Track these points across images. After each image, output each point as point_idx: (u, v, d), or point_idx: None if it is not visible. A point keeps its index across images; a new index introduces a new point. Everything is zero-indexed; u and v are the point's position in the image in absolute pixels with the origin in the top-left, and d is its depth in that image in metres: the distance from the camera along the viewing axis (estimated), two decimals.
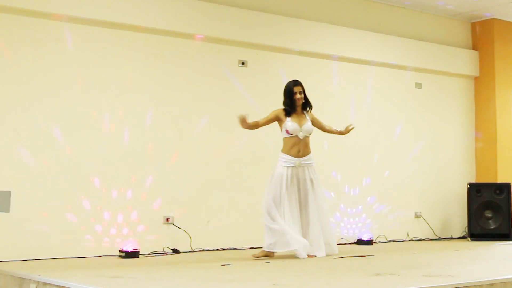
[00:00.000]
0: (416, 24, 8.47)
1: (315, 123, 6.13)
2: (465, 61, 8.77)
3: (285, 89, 6.02)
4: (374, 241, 7.49)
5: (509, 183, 8.02)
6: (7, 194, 5.59)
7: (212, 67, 6.80)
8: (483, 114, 8.79)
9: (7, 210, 5.57)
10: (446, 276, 4.34)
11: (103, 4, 6.11)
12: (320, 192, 6.06)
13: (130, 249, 5.82)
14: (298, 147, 5.90)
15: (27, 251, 5.57)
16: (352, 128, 6.33)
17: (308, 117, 6.01)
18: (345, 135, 6.39)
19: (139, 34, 6.35)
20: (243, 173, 6.91)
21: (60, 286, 4.06)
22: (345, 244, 7.39)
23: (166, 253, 6.18)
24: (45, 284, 4.21)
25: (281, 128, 5.99)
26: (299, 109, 5.99)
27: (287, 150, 5.92)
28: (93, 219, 5.97)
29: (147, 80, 6.39)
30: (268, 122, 6.00)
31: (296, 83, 5.98)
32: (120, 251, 5.86)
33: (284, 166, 5.88)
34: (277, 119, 5.98)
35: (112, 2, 6.17)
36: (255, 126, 5.97)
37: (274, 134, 7.07)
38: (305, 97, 6.01)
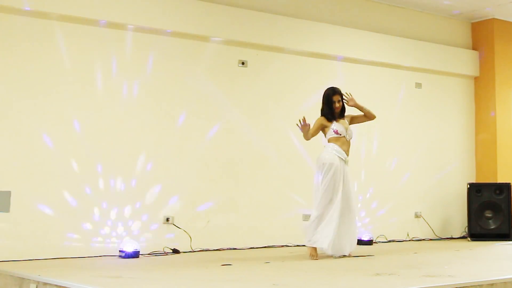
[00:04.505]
0: (416, 24, 8.47)
1: (356, 119, 6.17)
2: (465, 61, 8.77)
3: (324, 96, 6.04)
4: (374, 241, 7.49)
5: (509, 183, 8.02)
6: (7, 194, 5.59)
7: (212, 67, 6.79)
8: (483, 114, 8.79)
9: (7, 210, 5.57)
10: (446, 276, 4.34)
11: (104, 4, 6.11)
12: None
13: (130, 249, 5.82)
14: (346, 147, 5.97)
15: (27, 251, 5.57)
16: (348, 96, 6.16)
17: (347, 122, 6.08)
18: (353, 99, 6.15)
19: (139, 34, 6.34)
20: (243, 173, 6.91)
21: (60, 286, 4.06)
22: None
23: (166, 253, 6.18)
24: (45, 284, 4.22)
25: (325, 134, 6.00)
26: (338, 114, 6.05)
27: (340, 147, 5.94)
28: (93, 219, 5.97)
29: (146, 80, 6.38)
30: (316, 132, 5.98)
31: (334, 91, 6.03)
32: (120, 251, 5.85)
33: (335, 155, 5.88)
34: (322, 127, 6.00)
35: (113, 2, 6.17)
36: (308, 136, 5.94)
37: (274, 135, 7.08)
38: (344, 105, 6.07)
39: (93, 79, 6.08)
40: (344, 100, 6.09)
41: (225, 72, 6.88)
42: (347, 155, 5.97)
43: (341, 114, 6.08)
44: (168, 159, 6.44)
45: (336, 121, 6.00)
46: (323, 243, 5.70)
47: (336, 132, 5.94)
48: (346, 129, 6.00)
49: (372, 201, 7.83)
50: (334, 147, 5.92)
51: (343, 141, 5.96)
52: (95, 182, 6.00)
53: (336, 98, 6.00)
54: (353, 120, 6.18)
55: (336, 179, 5.84)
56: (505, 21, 8.82)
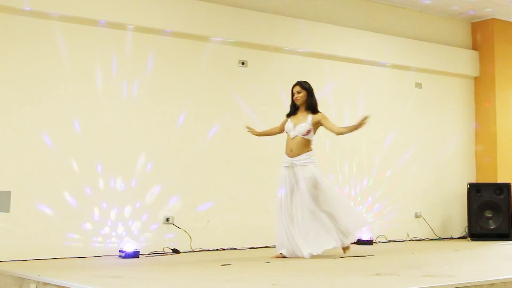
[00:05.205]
0: (416, 24, 8.47)
1: (323, 125, 5.86)
2: (465, 61, 8.77)
3: None
4: (374, 241, 7.49)
5: (509, 183, 8.02)
6: (7, 194, 5.59)
7: (212, 67, 6.80)
8: (483, 114, 8.79)
9: (7, 210, 5.57)
10: (446, 276, 4.34)
11: (104, 4, 6.11)
12: (307, 188, 5.72)
13: (130, 249, 5.82)
14: (290, 146, 5.82)
15: (27, 251, 5.57)
16: (366, 118, 5.75)
17: (310, 118, 5.81)
18: (361, 127, 5.82)
19: (139, 34, 6.34)
20: (244, 173, 6.91)
21: (60, 286, 4.06)
22: None
23: (166, 253, 6.18)
24: (45, 284, 4.21)
25: None
26: (302, 108, 5.91)
27: (285, 149, 5.92)
28: (93, 219, 5.97)
29: (146, 80, 6.38)
30: (282, 127, 6.01)
31: (295, 83, 5.96)
32: (120, 251, 5.86)
33: (283, 166, 5.89)
34: (284, 122, 5.99)
35: (113, 2, 6.17)
36: (271, 133, 6.11)
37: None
38: (309, 98, 5.87)
39: (93, 79, 6.08)
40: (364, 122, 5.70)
41: (225, 72, 6.88)
42: (294, 154, 5.75)
43: (311, 110, 5.85)
44: (168, 159, 6.44)
45: (295, 115, 5.88)
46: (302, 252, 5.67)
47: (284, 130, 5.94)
48: (295, 125, 5.80)
49: (372, 201, 7.83)
50: (283, 158, 5.88)
51: (288, 139, 5.85)
52: (95, 182, 6.00)
53: (295, 89, 5.90)
54: (322, 122, 5.81)
55: (285, 188, 5.80)
56: (505, 21, 8.82)
